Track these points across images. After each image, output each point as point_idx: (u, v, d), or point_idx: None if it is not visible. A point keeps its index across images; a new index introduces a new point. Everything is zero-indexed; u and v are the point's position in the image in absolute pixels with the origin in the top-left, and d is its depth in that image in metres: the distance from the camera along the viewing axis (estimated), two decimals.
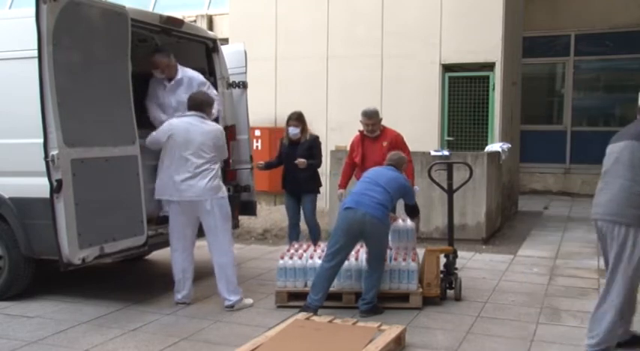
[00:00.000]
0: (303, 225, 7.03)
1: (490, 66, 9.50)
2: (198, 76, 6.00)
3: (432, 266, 5.39)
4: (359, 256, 5.38)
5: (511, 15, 10.03)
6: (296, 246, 5.78)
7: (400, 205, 5.48)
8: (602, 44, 13.61)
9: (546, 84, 14.71)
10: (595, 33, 13.50)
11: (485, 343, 4.55)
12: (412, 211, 5.52)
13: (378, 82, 9.96)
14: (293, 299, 5.32)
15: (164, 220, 5.70)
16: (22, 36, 4.98)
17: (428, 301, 5.35)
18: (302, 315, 4.71)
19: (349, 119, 7.68)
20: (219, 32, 10.34)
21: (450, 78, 9.77)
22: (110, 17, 5.02)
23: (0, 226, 5.39)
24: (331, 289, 5.14)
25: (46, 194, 4.65)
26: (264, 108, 10.07)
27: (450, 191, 5.83)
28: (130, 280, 6.47)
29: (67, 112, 4.66)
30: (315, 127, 7.52)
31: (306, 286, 5.30)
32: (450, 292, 5.56)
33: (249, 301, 5.41)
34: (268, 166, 7.10)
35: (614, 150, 4.05)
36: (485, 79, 9.60)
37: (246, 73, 6.70)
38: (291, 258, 5.43)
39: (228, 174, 6.27)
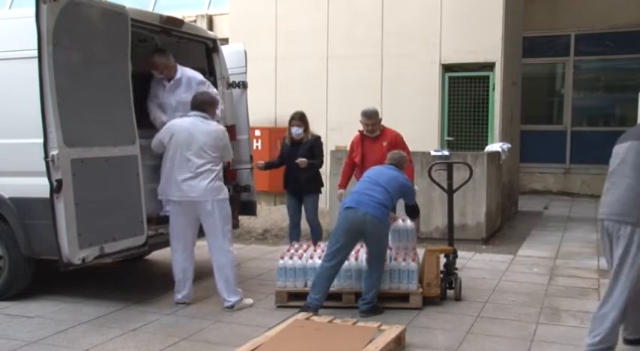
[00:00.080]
0: (303, 225, 7.02)
1: (490, 66, 9.50)
2: (197, 76, 6.00)
3: (432, 266, 5.39)
4: (359, 256, 5.38)
5: (511, 15, 10.03)
6: (296, 246, 5.78)
7: (400, 205, 5.48)
8: (602, 44, 13.60)
9: (546, 84, 14.70)
10: (595, 33, 13.50)
11: (485, 343, 4.55)
12: (412, 211, 5.51)
13: (378, 82, 9.96)
14: (293, 299, 5.32)
15: (164, 220, 5.70)
16: (22, 36, 4.98)
17: (428, 301, 5.35)
18: (302, 315, 4.70)
19: (349, 119, 7.68)
20: (219, 32, 10.33)
21: (450, 78, 9.77)
22: (110, 17, 5.02)
23: (0, 226, 5.39)
24: (331, 289, 5.14)
25: (46, 194, 4.64)
26: (264, 108, 10.07)
27: (450, 191, 5.83)
28: (130, 280, 6.47)
29: (67, 112, 4.66)
30: (315, 127, 7.51)
31: (306, 286, 5.30)
32: (450, 292, 5.56)
33: (249, 301, 5.41)
34: (268, 166, 7.10)
35: (620, 150, 4.07)
36: (485, 79, 9.60)
37: (246, 73, 6.70)
38: (291, 258, 5.43)
39: (228, 174, 6.26)
